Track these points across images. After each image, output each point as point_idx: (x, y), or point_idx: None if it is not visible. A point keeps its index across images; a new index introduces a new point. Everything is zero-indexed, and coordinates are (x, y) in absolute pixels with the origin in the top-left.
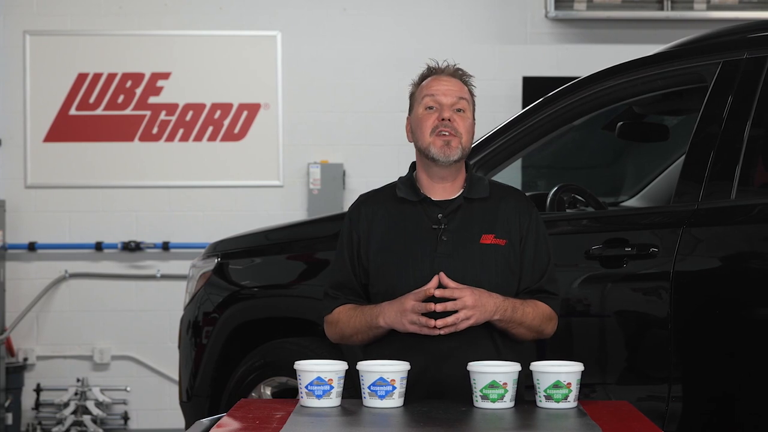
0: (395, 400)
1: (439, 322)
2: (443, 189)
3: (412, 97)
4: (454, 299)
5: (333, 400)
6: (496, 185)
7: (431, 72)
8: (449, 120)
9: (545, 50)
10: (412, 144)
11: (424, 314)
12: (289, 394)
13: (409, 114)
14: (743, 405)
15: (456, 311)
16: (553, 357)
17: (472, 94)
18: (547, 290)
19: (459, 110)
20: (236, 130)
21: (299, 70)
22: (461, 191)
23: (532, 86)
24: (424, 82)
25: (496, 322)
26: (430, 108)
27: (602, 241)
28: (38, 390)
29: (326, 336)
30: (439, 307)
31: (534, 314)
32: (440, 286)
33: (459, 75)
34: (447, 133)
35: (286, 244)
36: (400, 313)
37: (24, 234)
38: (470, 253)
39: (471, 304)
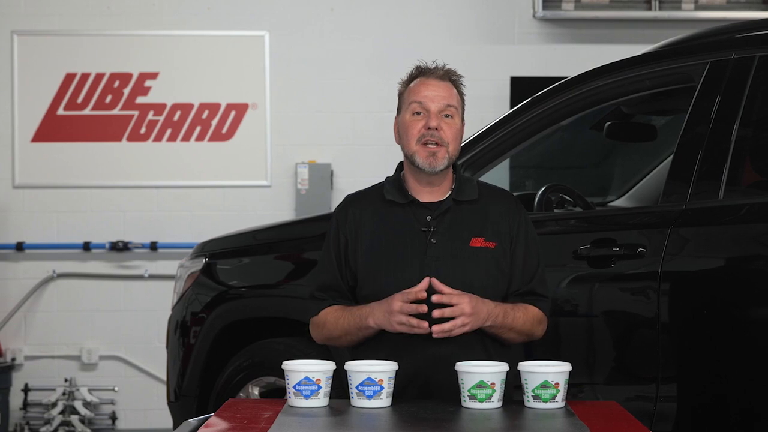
0: (383, 400)
1: (435, 328)
2: (431, 191)
3: (401, 97)
4: (450, 305)
5: (321, 400)
6: (484, 186)
7: (420, 72)
8: (436, 129)
9: (533, 50)
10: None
11: (413, 315)
12: (277, 394)
13: (397, 114)
14: (732, 404)
15: (452, 318)
16: (541, 357)
17: (461, 96)
18: (537, 293)
19: (446, 116)
20: (224, 130)
21: (287, 70)
22: (450, 193)
23: (520, 86)
24: (412, 84)
25: (487, 328)
26: (417, 113)
27: (590, 241)
28: (26, 390)
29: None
30: (436, 313)
31: (524, 319)
32: (430, 290)
33: (449, 77)
34: (434, 144)
35: (274, 244)
36: (388, 313)
37: (12, 234)
38: (460, 256)
39: (469, 312)
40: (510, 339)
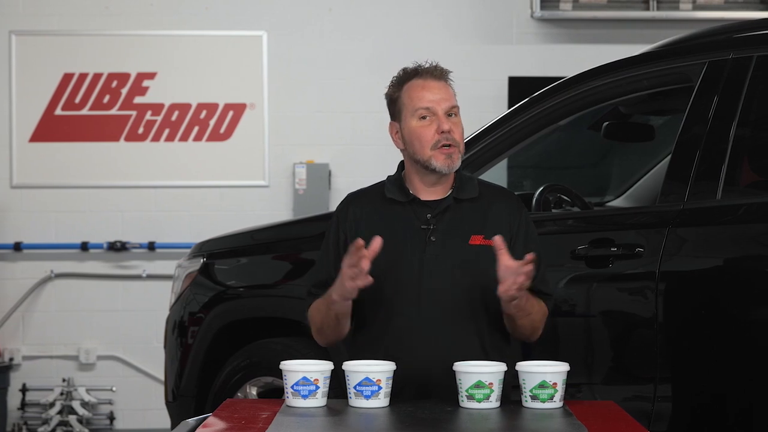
0: (381, 400)
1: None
2: (433, 190)
3: (397, 101)
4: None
5: (319, 400)
6: (485, 185)
7: (415, 74)
8: (449, 132)
9: (531, 50)
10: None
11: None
12: (275, 394)
13: (394, 119)
14: (729, 405)
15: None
16: (539, 357)
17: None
18: (540, 290)
19: (451, 116)
20: (222, 130)
21: (285, 70)
22: (450, 191)
23: (518, 86)
24: (408, 87)
25: (511, 307)
26: (424, 118)
27: (588, 241)
28: (24, 390)
29: (313, 338)
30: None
31: (538, 309)
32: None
33: (444, 77)
34: (449, 145)
35: (272, 244)
36: (341, 278)
37: (10, 234)
38: (459, 254)
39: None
40: (521, 326)
